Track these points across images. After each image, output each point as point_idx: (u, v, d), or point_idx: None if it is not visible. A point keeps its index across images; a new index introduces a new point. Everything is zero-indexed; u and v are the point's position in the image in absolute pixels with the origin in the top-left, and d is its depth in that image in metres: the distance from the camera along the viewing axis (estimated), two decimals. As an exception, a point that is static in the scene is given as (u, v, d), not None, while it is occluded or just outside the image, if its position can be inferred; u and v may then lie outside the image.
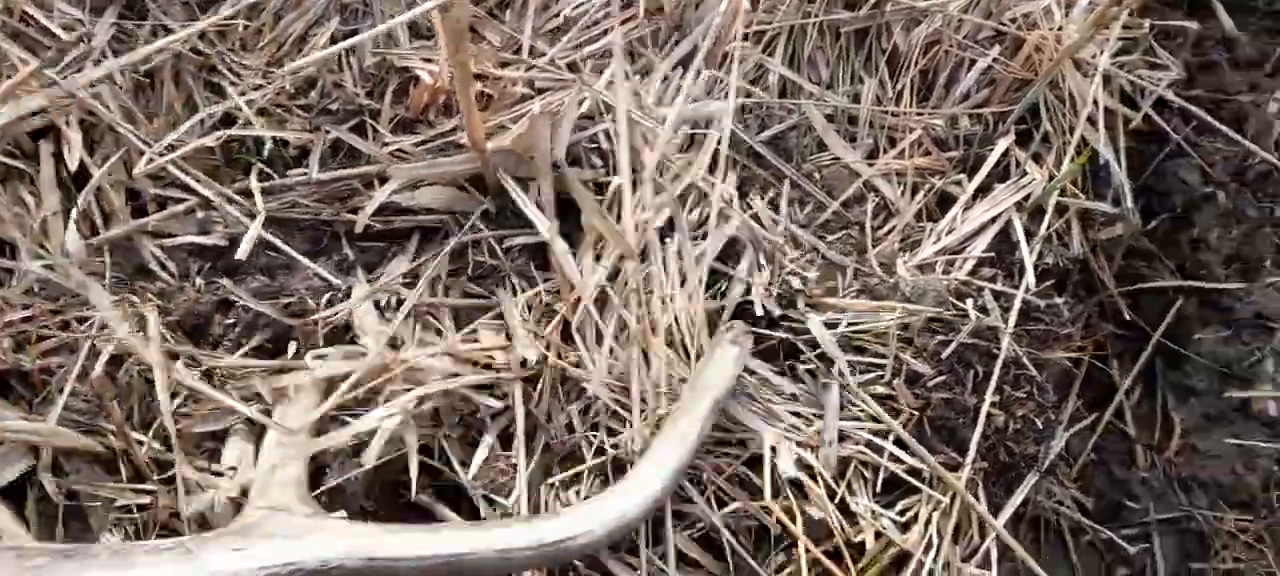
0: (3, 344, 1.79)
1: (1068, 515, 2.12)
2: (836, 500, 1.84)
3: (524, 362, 1.83)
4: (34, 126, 1.98)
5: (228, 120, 2.04)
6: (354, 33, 2.11)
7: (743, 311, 1.98)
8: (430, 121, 2.00)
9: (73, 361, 1.78)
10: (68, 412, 1.73)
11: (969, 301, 2.01)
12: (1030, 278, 2.05)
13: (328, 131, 2.00)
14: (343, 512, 1.64)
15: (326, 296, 1.89)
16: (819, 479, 1.85)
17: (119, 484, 1.71)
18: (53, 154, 1.98)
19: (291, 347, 1.85)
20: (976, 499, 1.94)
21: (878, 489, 1.90)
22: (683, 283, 1.90)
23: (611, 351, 1.87)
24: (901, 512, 1.89)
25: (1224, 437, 2.31)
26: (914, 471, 1.91)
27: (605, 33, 2.10)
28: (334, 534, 1.46)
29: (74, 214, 1.88)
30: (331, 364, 1.80)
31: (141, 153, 1.97)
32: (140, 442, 1.71)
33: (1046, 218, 2.15)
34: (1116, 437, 2.45)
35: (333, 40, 2.08)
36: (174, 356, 1.79)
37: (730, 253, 2.02)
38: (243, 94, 2.03)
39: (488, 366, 1.86)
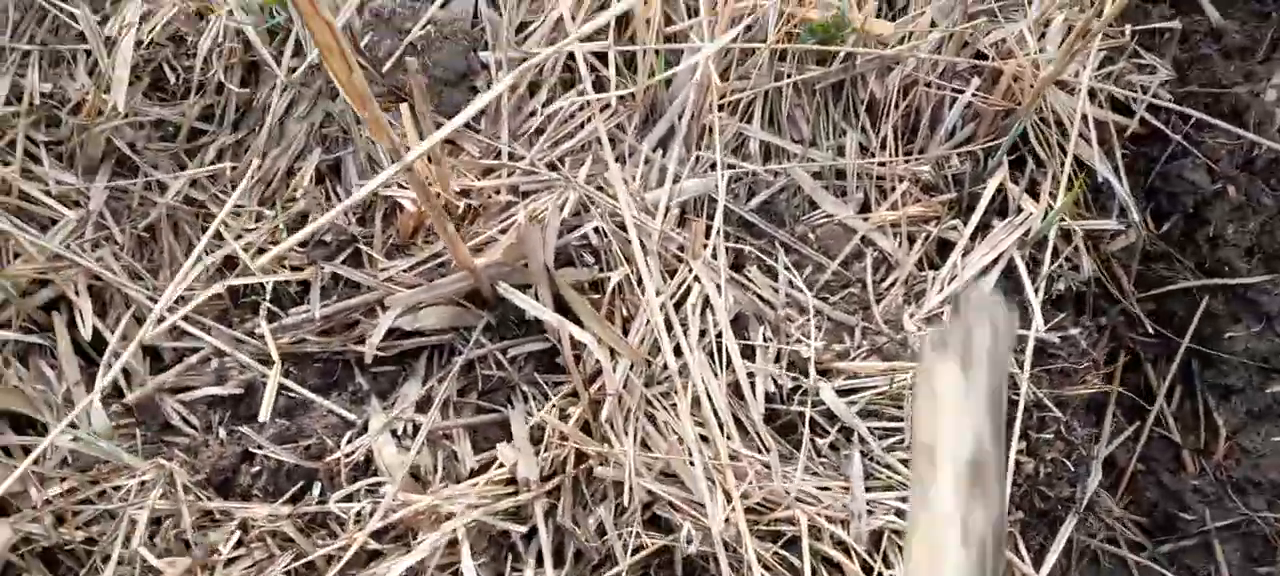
0: (45, 521, 1.86)
1: (1125, 536, 2.10)
2: (874, 574, 1.84)
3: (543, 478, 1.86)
4: (45, 299, 2.05)
5: (230, 262, 2.09)
6: (337, 161, 2.14)
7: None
8: (420, 244, 2.03)
9: (114, 528, 1.84)
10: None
11: (978, 349, 1.99)
12: (1038, 320, 2.03)
13: (323, 266, 2.03)
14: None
15: (346, 435, 1.93)
16: (853, 554, 1.85)
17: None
18: (67, 323, 2.04)
19: (316, 488, 1.89)
20: (1018, 554, 1.94)
21: (911, 552, 1.90)
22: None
23: (644, 443, 1.89)
24: (941, 572, 1.88)
25: (1272, 435, 2.28)
26: (946, 530, 1.90)
27: (582, 126, 2.11)
28: None
29: (97, 386, 1.93)
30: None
31: (150, 309, 2.01)
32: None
33: (1050, 247, 2.13)
34: (1162, 444, 2.42)
35: (317, 173, 2.12)
36: (208, 514, 1.85)
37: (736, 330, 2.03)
38: (238, 237, 2.07)
39: (511, 482, 1.89)
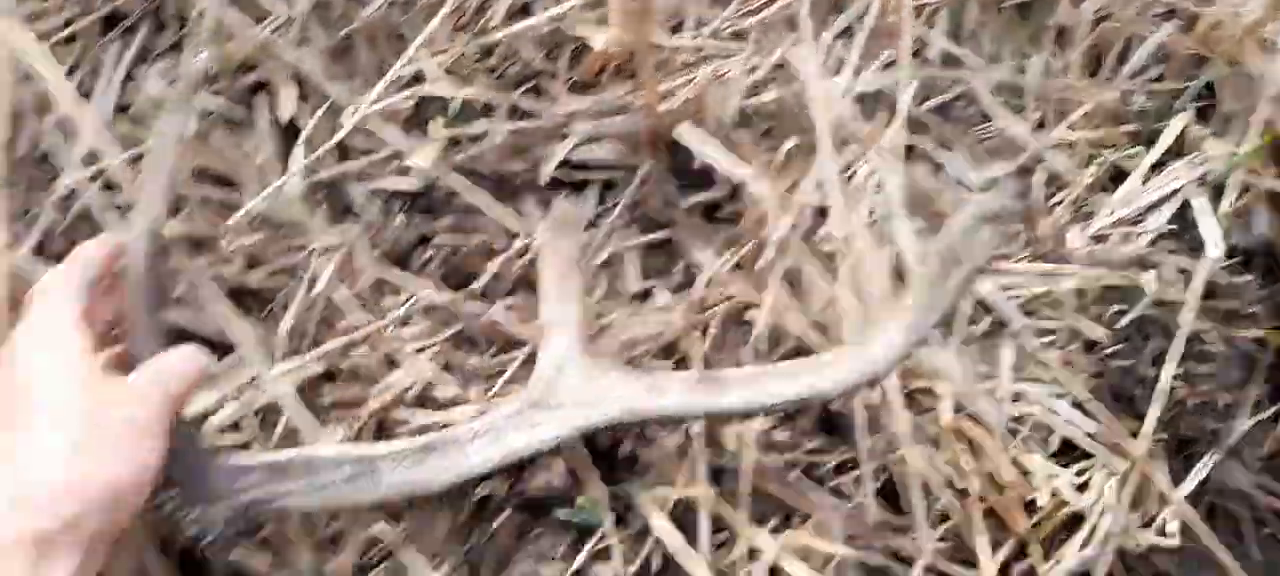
0: (235, 264, 1.96)
1: (1255, 499, 2.03)
2: (1012, 457, 1.82)
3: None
4: (251, 82, 2.18)
5: (417, 79, 2.20)
6: (527, 2, 2.25)
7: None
8: (604, 83, 2.11)
9: (294, 283, 1.93)
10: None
11: (1151, 272, 1.98)
12: (1214, 249, 1.99)
13: (506, 93, 2.12)
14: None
15: (517, 242, 2.00)
16: (993, 434, 1.83)
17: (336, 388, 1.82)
18: (268, 106, 2.17)
19: (481, 280, 1.96)
20: (1155, 469, 1.89)
21: (1052, 451, 1.87)
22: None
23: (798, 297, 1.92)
24: (1078, 474, 1.85)
25: None
26: (1091, 436, 1.87)
27: (771, 3, 2.18)
28: (608, 395, 1.62)
29: (292, 159, 2.05)
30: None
31: (343, 107, 2.13)
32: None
33: (1227, 196, 2.10)
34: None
35: (509, 11, 2.22)
36: (382, 283, 1.93)
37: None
38: (432, 56, 2.18)
39: (665, 327, 1.92)
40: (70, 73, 2.12)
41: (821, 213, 2.01)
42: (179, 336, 1.75)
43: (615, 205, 2.04)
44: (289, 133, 2.17)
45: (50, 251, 1.85)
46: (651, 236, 2.02)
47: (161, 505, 1.50)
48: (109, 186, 2.03)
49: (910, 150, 2.13)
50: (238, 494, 1.52)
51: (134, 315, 1.66)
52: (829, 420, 1.87)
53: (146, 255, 1.70)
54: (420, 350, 1.85)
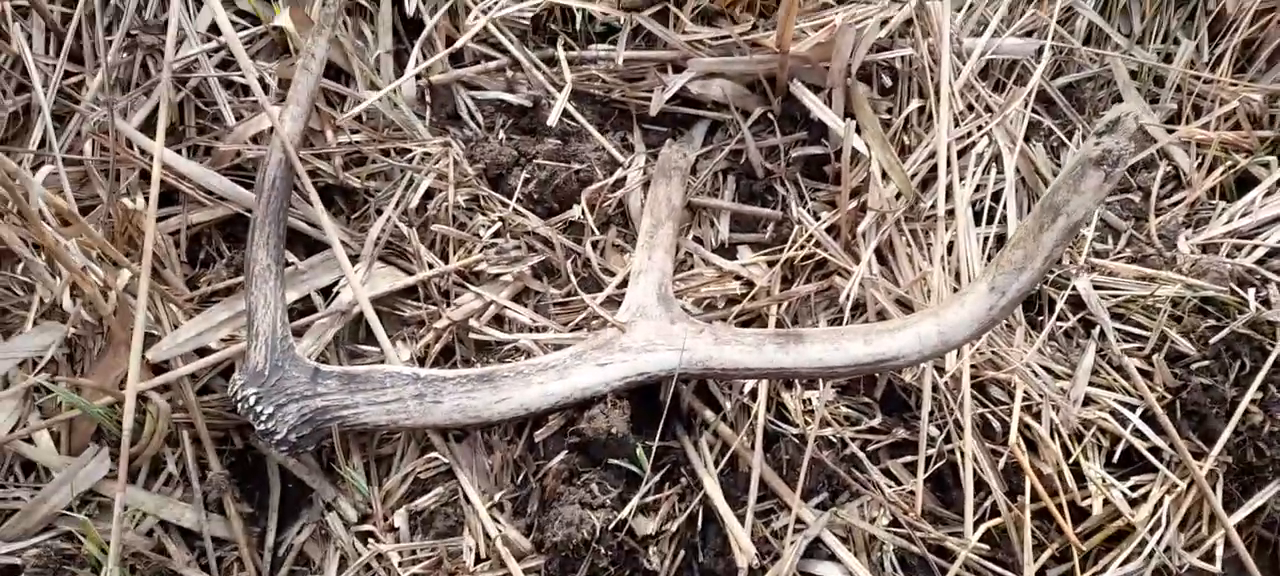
0: (334, 160, 2.04)
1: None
2: (1071, 461, 1.85)
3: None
4: (380, -31, 2.20)
5: (540, -12, 2.18)
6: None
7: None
8: (733, 17, 2.06)
9: (391, 187, 2.02)
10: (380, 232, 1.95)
11: (1251, 291, 1.93)
12: (1327, 280, 1.93)
13: (632, 14, 2.09)
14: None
15: (614, 173, 2.03)
16: (1055, 436, 1.86)
17: (416, 302, 1.93)
18: (392, -1, 2.19)
19: (575, 210, 2.01)
20: (1214, 492, 1.91)
21: (1113, 459, 1.90)
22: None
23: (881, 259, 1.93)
24: (1133, 487, 1.88)
25: None
26: (1154, 450, 1.89)
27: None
28: (677, 345, 1.69)
29: (412, 59, 2.08)
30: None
31: (467, 9, 2.14)
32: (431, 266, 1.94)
33: (1357, 221, 2.01)
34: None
35: (648, -74, 2.16)
36: (476, 200, 1.99)
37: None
38: (559, -34, 2.15)
39: (749, 283, 1.96)
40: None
41: (930, 182, 1.99)
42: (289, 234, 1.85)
43: (721, 148, 2.05)
44: (409, 27, 2.21)
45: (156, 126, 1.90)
46: (750, 186, 2.03)
47: (236, 402, 1.66)
48: (226, 64, 2.13)
49: (1034, 127, 2.09)
50: (311, 399, 1.65)
51: (261, 215, 1.78)
52: (895, 397, 1.91)
53: (282, 165, 1.80)
54: (499, 275, 1.91)
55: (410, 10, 2.15)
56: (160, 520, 1.76)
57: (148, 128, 2.03)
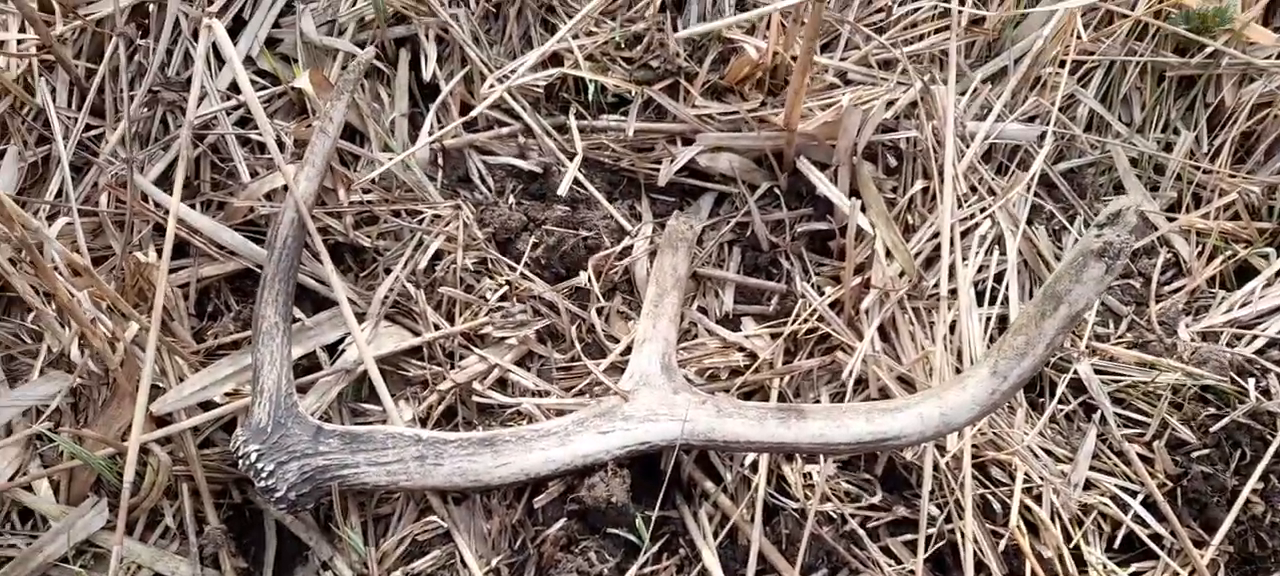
0: (346, 219, 2.07)
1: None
2: (1072, 545, 1.85)
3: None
4: (399, 34, 2.25)
5: (557, 59, 2.23)
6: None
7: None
8: (743, 94, 2.10)
9: (400, 247, 2.04)
10: (388, 292, 1.96)
11: (1251, 380, 1.94)
12: (1326, 375, 1.94)
13: (644, 87, 2.14)
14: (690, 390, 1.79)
15: (621, 241, 2.05)
16: (1057, 519, 1.86)
17: (420, 362, 1.94)
18: (410, 61, 2.24)
19: (582, 277, 2.03)
20: (1214, 583, 1.90)
21: (1114, 545, 1.90)
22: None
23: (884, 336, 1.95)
24: (1134, 574, 1.87)
25: None
26: (1155, 537, 1.88)
27: (922, 37, 2.12)
28: (680, 416, 1.70)
29: (427, 123, 2.12)
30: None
31: (482, 76, 2.18)
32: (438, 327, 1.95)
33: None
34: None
35: (662, 2, 2.21)
36: (484, 263, 2.02)
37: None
38: (575, 37, 2.20)
39: (752, 355, 1.97)
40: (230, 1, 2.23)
41: (933, 261, 2.01)
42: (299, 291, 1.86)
43: (727, 220, 2.08)
44: (425, 91, 2.26)
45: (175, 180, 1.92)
46: (755, 259, 2.05)
47: (238, 458, 1.66)
48: (244, 122, 2.18)
49: (1036, 210, 2.12)
50: (312, 458, 1.65)
51: (272, 273, 1.80)
52: (896, 475, 1.91)
53: (294, 223, 1.83)
54: (504, 339, 1.93)
55: (427, 75, 2.20)
56: (155, 573, 1.75)
57: (163, 182, 2.07)
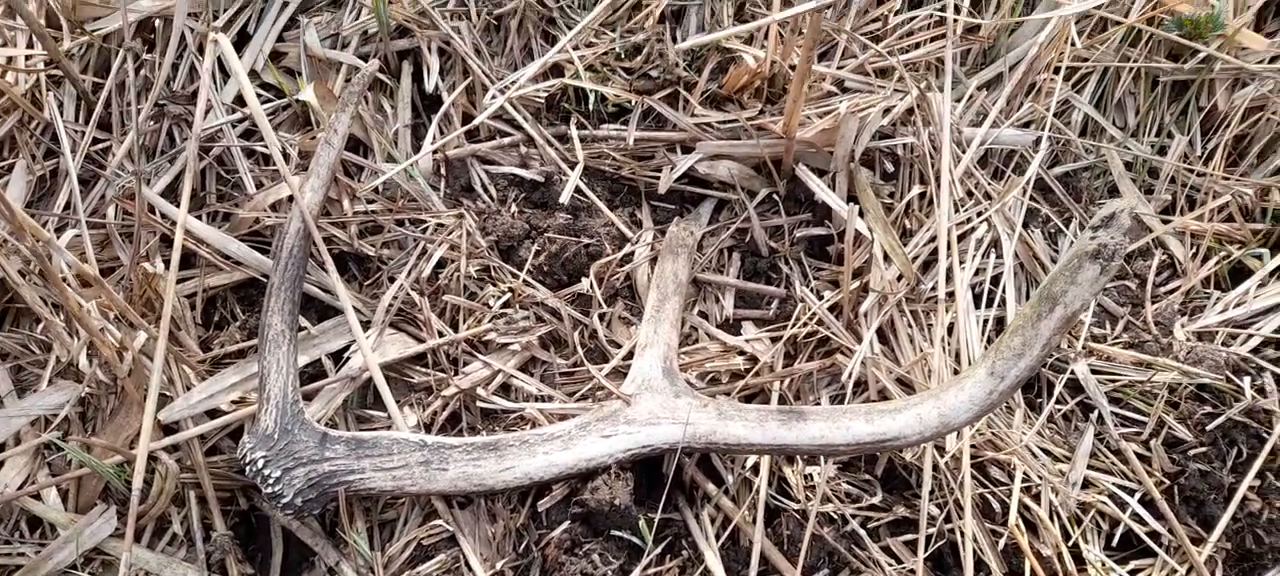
0: (350, 229, 2.09)
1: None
2: (1070, 543, 1.86)
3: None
4: (403, 47, 2.28)
5: (557, 70, 2.26)
6: (682, 9, 2.26)
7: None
8: (742, 103, 2.13)
9: (403, 256, 2.07)
10: (392, 300, 1.99)
11: (1247, 379, 1.96)
12: (1321, 371, 1.96)
13: (644, 97, 2.17)
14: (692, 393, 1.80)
15: (623, 248, 2.08)
16: (1055, 518, 1.88)
17: (424, 369, 1.96)
18: (412, 73, 2.27)
19: (584, 283, 2.05)
20: (1212, 579, 1.92)
21: (1112, 543, 1.91)
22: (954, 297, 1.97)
23: (882, 339, 1.97)
24: (1132, 572, 1.88)
25: None
26: (1153, 535, 1.90)
27: (919, 45, 2.15)
28: (681, 419, 1.72)
29: (430, 133, 2.14)
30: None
31: (484, 87, 2.21)
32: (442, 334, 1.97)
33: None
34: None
35: (661, 13, 2.24)
36: (487, 271, 2.04)
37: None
38: (576, 48, 2.23)
39: (753, 359, 1.99)
40: (236, 14, 2.26)
41: (930, 265, 2.04)
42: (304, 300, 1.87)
43: (727, 226, 2.11)
44: (428, 102, 2.29)
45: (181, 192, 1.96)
46: (755, 264, 2.07)
47: (244, 465, 1.68)
48: (249, 134, 2.21)
49: (1032, 214, 2.14)
50: (318, 464, 1.67)
51: (278, 282, 1.82)
52: (896, 476, 1.93)
53: (299, 233, 1.85)
54: (507, 345, 1.95)
55: (429, 87, 2.23)
56: (164, 579, 1.77)
57: (169, 193, 2.10)
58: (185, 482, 1.81)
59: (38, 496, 1.79)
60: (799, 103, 1.86)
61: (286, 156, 2.08)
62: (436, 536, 1.78)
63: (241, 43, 2.24)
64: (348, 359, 1.94)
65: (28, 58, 2.15)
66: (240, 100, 2.17)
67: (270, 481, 1.65)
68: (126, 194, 2.01)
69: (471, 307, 2.00)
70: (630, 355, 1.93)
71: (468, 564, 1.74)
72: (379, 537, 1.81)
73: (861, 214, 2.02)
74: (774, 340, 1.99)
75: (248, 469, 1.67)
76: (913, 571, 1.79)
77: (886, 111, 2.05)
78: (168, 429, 1.82)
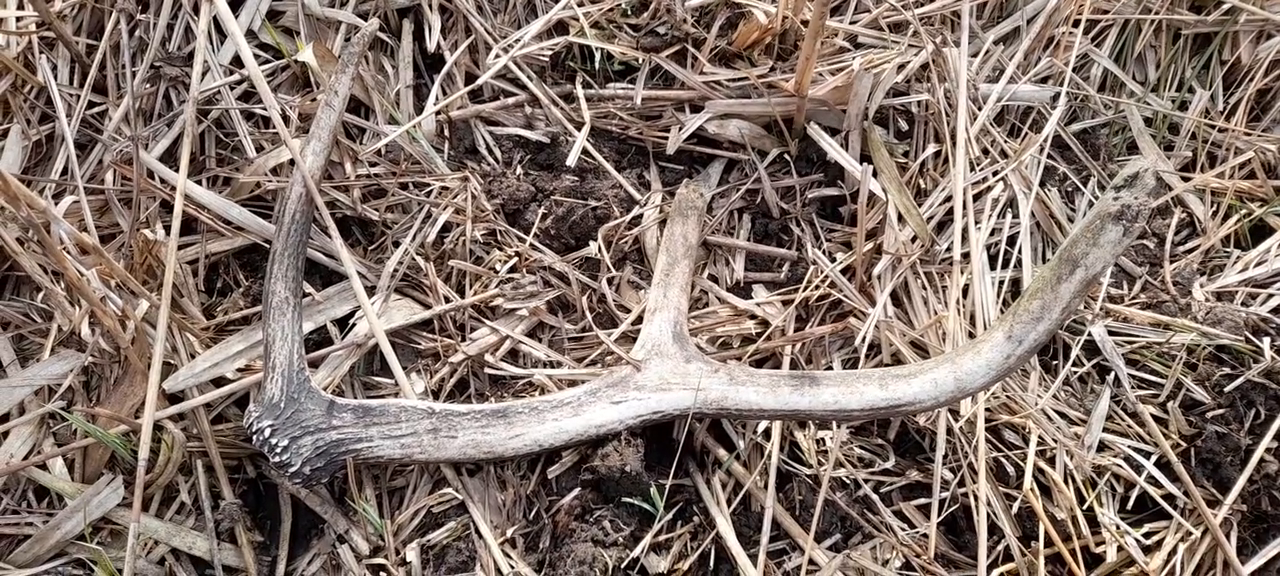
0: (354, 193, 2.06)
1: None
2: (1085, 507, 1.85)
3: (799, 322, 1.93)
4: (403, 4, 2.22)
5: (562, 27, 2.20)
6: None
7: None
8: (752, 60, 2.08)
9: (408, 219, 2.03)
10: (397, 265, 1.96)
11: (1266, 340, 1.93)
12: (1341, 329, 1.93)
13: (652, 54, 2.11)
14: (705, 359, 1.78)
15: (631, 210, 2.04)
16: (1070, 481, 1.86)
17: (431, 335, 1.93)
18: (413, 33, 2.21)
19: (592, 246, 2.02)
20: (1228, 540, 1.90)
21: (1127, 506, 1.90)
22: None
23: (896, 302, 1.94)
24: (1147, 534, 1.87)
25: None
26: (1168, 497, 1.88)
27: (938, -3, 2.10)
28: (692, 385, 1.69)
29: (433, 94, 2.09)
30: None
31: (487, 46, 2.16)
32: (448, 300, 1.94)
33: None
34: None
35: (669, -33, 2.18)
36: (493, 234, 2.01)
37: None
38: (580, 4, 2.17)
39: (764, 323, 1.97)
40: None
41: (945, 225, 2.00)
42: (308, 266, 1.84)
43: (737, 188, 2.07)
44: (430, 62, 2.24)
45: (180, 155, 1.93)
46: (766, 226, 2.04)
47: (251, 434, 1.66)
48: (248, 96, 2.16)
49: (1049, 172, 2.10)
50: (326, 432, 1.65)
51: (281, 248, 1.79)
52: (908, 440, 1.91)
53: (302, 198, 1.82)
54: (515, 310, 1.92)
55: (431, 46, 2.18)
56: (172, 548, 1.76)
57: (168, 158, 2.06)
58: (192, 451, 1.80)
59: (44, 466, 1.77)
60: (811, 59, 1.81)
61: (286, 119, 2.04)
62: (446, 504, 1.77)
63: (237, 1, 2.18)
64: (353, 325, 1.91)
65: (19, 19, 2.10)
66: (237, 61, 2.12)
67: (278, 450, 1.63)
68: (124, 159, 1.97)
69: (478, 272, 1.97)
70: (640, 320, 1.90)
71: (478, 531, 1.73)
72: (388, 505, 1.79)
73: (875, 174, 1.98)
74: (786, 303, 1.96)
75: (255, 437, 1.65)
76: (926, 536, 1.77)
77: (901, 67, 1.99)
78: (173, 398, 1.80)
